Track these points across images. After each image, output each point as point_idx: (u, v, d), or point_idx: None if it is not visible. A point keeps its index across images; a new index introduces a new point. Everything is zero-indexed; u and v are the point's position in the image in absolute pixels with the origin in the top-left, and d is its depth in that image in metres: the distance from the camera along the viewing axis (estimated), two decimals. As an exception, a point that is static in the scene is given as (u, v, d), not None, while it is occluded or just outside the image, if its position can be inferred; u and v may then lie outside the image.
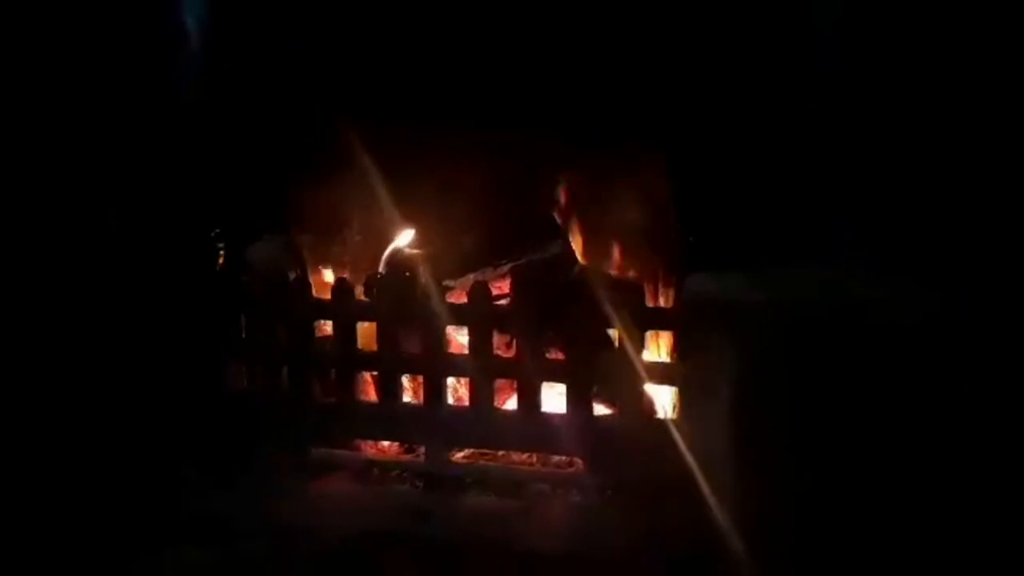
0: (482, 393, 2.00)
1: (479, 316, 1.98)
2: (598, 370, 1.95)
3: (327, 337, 2.12)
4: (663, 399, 2.07)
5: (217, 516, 1.86)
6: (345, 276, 2.08)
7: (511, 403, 2.05)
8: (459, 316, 2.00)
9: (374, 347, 2.06)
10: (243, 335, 2.13)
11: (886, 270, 1.69)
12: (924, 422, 1.49)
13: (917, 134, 1.84)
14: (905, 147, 1.85)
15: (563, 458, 2.07)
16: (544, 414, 1.98)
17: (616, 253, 2.28)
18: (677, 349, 2.00)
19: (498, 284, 2.24)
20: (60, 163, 2.10)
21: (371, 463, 2.09)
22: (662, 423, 1.91)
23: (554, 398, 2.01)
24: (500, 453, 2.11)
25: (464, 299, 2.02)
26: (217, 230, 2.23)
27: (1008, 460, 1.48)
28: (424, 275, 2.18)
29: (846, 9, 1.87)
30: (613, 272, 2.24)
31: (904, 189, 1.84)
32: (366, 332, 2.08)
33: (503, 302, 2.11)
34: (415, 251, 2.35)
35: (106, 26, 2.11)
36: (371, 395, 2.16)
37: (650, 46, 2.06)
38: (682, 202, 2.07)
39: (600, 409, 2.02)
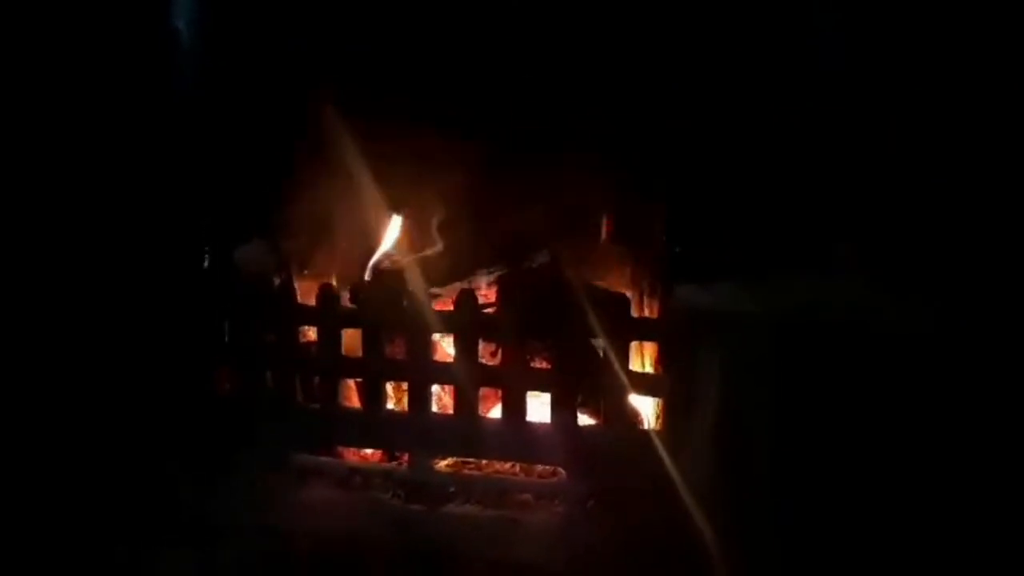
0: (467, 401, 1.99)
1: (465, 324, 1.97)
2: (583, 380, 1.95)
3: (312, 342, 2.10)
4: (647, 410, 2.07)
5: (200, 518, 1.85)
6: (330, 282, 2.07)
7: (495, 412, 2.04)
8: (445, 324, 2.00)
9: (359, 353, 2.05)
10: (228, 339, 2.11)
11: (882, 283, 1.68)
12: (917, 441, 1.48)
13: (916, 144, 1.83)
14: (903, 157, 1.84)
15: (547, 468, 2.06)
16: (528, 423, 1.98)
17: (602, 262, 2.28)
18: (663, 360, 2.00)
19: (485, 292, 2.24)
20: (48, 162, 2.08)
21: (354, 470, 2.07)
22: (646, 434, 1.91)
23: (538, 407, 2.01)
24: (483, 462, 2.11)
25: (450, 307, 2.01)
26: (204, 234, 2.21)
27: (998, 477, 1.48)
28: (410, 282, 2.17)
29: (846, 10, 1.85)
30: (599, 282, 2.24)
31: (902, 199, 1.83)
32: (351, 338, 2.07)
33: (489, 310, 2.11)
34: (402, 258, 2.34)
35: (103, 23, 2.09)
36: (355, 401, 2.15)
37: (641, 51, 2.06)
38: (670, 212, 2.07)
39: (584, 419, 2.02)
